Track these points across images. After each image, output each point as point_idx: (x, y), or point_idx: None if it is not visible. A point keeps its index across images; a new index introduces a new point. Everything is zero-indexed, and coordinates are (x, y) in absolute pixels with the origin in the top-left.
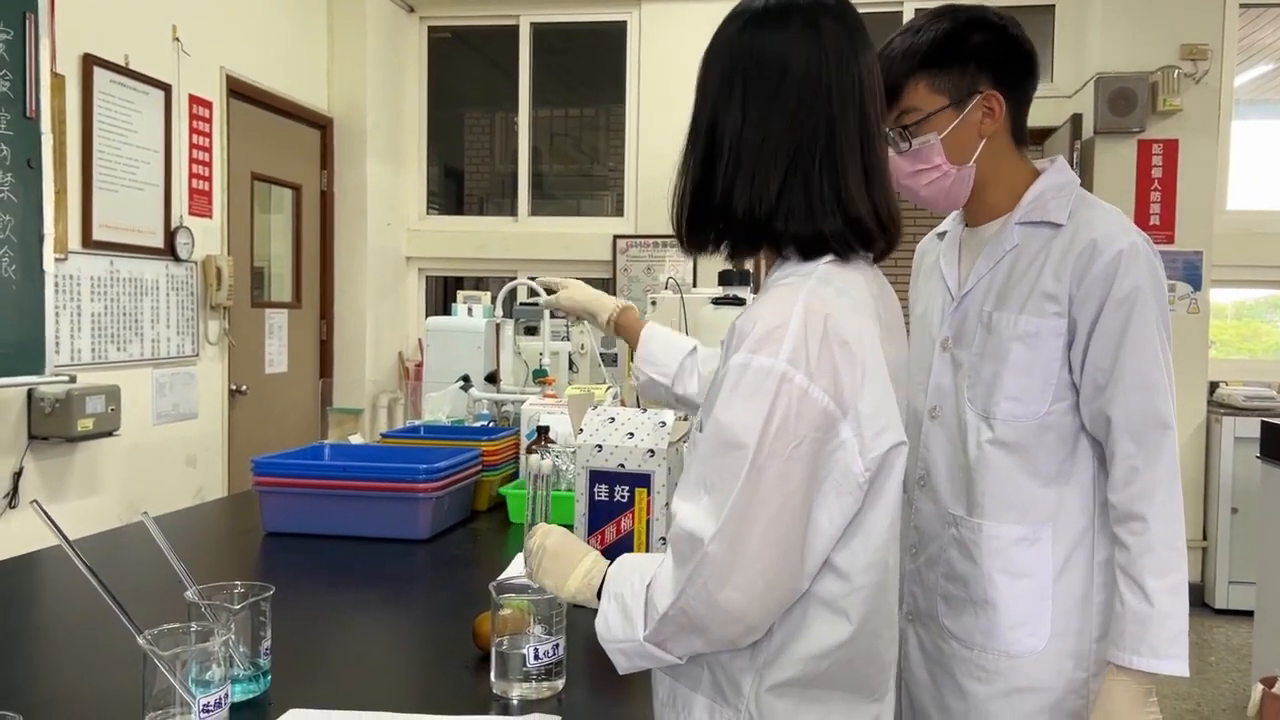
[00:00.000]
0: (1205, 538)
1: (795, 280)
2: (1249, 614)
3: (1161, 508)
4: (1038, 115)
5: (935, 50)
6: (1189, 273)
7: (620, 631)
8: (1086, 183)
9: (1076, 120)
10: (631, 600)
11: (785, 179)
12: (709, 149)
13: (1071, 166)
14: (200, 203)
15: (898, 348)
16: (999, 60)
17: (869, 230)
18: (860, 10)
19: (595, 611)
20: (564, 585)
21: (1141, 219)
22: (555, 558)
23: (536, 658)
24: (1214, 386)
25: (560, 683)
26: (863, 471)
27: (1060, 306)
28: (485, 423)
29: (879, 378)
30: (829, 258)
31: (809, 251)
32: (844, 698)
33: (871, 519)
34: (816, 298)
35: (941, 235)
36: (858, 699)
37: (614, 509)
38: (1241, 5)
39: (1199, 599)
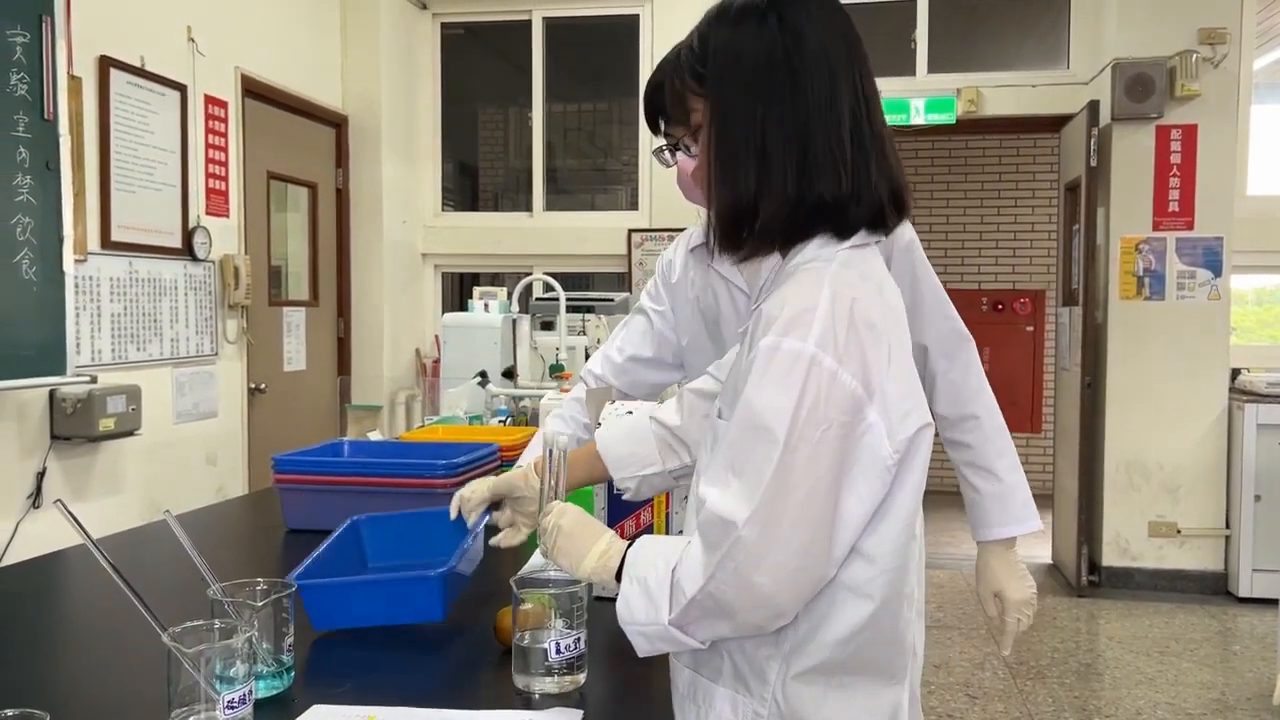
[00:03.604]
0: (1228, 525)
1: (818, 265)
2: (1273, 602)
3: (987, 403)
4: (1055, 102)
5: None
6: (1209, 259)
7: (643, 614)
8: (1105, 169)
9: (1094, 107)
10: (655, 584)
11: (852, 161)
12: (761, 152)
13: (1089, 154)
14: (217, 202)
15: (906, 328)
16: None
17: (904, 201)
18: (873, 0)
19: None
20: (579, 565)
21: (1160, 205)
22: (570, 537)
23: (558, 652)
24: (1235, 373)
25: (582, 677)
26: (891, 454)
27: None
28: (503, 418)
29: (904, 359)
30: (850, 242)
31: (849, 230)
32: (868, 683)
33: (898, 502)
34: (842, 282)
35: (694, 248)
36: (880, 683)
37: (633, 503)
38: None
39: (1222, 587)
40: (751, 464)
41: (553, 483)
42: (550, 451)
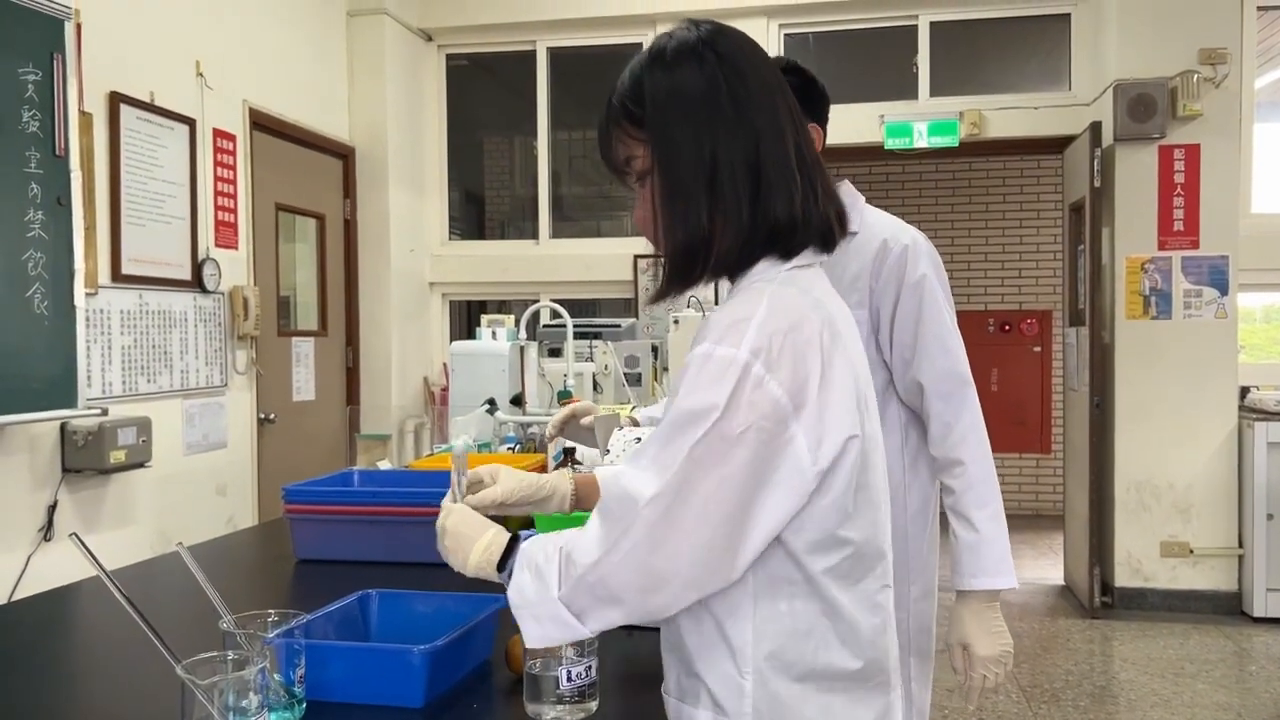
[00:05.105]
0: (1240, 545)
1: (761, 284)
2: None
3: (974, 450)
4: (1057, 124)
5: None
6: (1215, 278)
7: (534, 594)
8: (1108, 190)
9: (1096, 128)
10: (544, 562)
11: (801, 183)
12: (713, 184)
13: (1092, 174)
14: (226, 234)
15: (854, 338)
16: (810, 99)
17: (846, 221)
18: (875, 24)
19: (629, 630)
20: (466, 562)
21: (1165, 225)
22: (456, 536)
23: (569, 679)
24: (1245, 391)
25: (593, 704)
26: (811, 466)
27: (861, 296)
28: (511, 445)
29: (842, 375)
30: (794, 262)
31: (796, 251)
32: (846, 688)
33: (821, 508)
34: (780, 297)
35: None
36: (860, 689)
37: None
38: (1260, 8)
39: (1237, 607)
40: (668, 452)
41: (454, 486)
42: (454, 458)
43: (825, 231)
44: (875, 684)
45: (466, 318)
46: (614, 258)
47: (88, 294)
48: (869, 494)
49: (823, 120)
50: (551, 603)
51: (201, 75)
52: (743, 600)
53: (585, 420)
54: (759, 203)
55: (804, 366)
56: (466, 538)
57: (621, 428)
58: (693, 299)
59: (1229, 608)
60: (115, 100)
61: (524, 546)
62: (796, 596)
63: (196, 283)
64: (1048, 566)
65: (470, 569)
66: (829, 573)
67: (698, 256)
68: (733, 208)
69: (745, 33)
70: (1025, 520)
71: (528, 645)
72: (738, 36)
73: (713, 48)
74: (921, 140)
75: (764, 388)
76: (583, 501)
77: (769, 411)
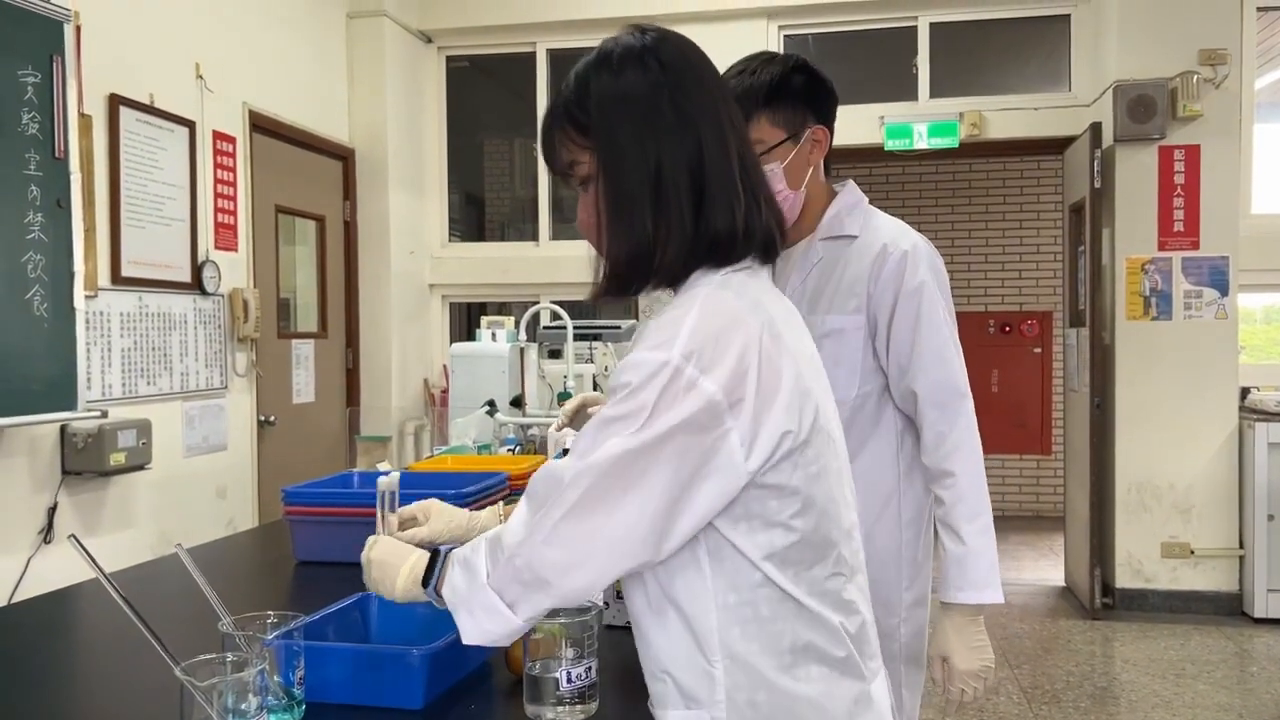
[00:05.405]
0: (1241, 545)
1: (696, 289)
2: None
3: (965, 462)
4: (1057, 125)
5: (772, 90)
6: (1215, 278)
7: (464, 587)
8: (1109, 191)
9: (1096, 129)
10: (472, 553)
11: (744, 195)
12: (658, 193)
13: (1092, 175)
14: (226, 236)
15: (797, 338)
16: (818, 99)
17: (784, 228)
18: (874, 26)
19: (630, 630)
20: (394, 588)
21: (1165, 225)
22: (381, 566)
23: (569, 681)
24: (1245, 392)
25: (593, 706)
26: (744, 463)
27: (860, 302)
28: (511, 447)
29: (777, 372)
30: (729, 267)
31: (732, 258)
32: (819, 674)
33: (757, 497)
34: (713, 300)
35: None
36: (831, 674)
37: None
38: (1260, 8)
39: (1238, 608)
40: (596, 441)
41: (379, 520)
42: (381, 494)
43: (767, 242)
44: (847, 670)
45: (466, 319)
46: None
47: (87, 296)
48: (819, 487)
49: (830, 121)
50: (482, 590)
51: (201, 77)
52: (702, 591)
53: (592, 410)
54: (701, 212)
55: (740, 365)
56: (391, 566)
57: None
58: None
59: (1230, 608)
60: (115, 102)
61: (454, 551)
62: (755, 585)
63: (196, 285)
64: (1048, 567)
65: (398, 593)
66: (773, 559)
67: (640, 264)
68: (675, 217)
69: (691, 39)
70: (1025, 521)
71: (465, 642)
72: (682, 43)
73: (656, 54)
74: (921, 141)
75: (697, 388)
76: None
77: (703, 407)
